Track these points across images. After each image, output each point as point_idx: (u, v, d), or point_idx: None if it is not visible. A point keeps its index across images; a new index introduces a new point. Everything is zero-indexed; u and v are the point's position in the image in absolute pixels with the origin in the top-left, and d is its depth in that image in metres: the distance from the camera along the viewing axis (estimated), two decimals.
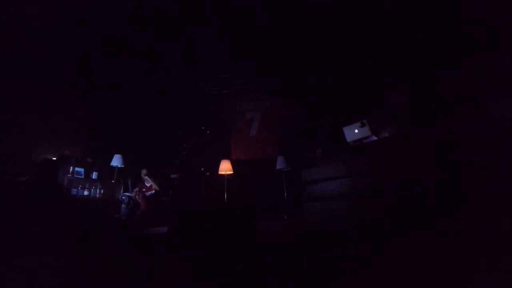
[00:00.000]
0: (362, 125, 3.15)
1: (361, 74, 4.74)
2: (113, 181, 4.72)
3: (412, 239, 1.85)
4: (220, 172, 4.73)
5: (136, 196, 4.34)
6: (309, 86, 5.43)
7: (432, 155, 2.39)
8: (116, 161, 4.56)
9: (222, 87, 5.73)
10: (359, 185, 2.89)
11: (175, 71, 5.20)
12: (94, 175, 4.66)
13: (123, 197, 4.45)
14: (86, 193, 4.37)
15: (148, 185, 4.60)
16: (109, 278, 1.34)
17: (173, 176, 5.43)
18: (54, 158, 4.14)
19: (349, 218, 2.85)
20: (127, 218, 4.15)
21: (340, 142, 3.52)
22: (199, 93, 5.84)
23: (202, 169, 5.58)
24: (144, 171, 4.64)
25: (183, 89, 5.74)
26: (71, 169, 4.26)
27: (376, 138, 3.29)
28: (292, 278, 1.24)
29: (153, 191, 4.54)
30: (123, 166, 4.64)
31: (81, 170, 4.45)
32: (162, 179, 4.84)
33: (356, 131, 3.21)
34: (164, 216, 4.12)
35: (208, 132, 5.90)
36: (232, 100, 6.02)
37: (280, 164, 4.69)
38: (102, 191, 4.62)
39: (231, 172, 4.76)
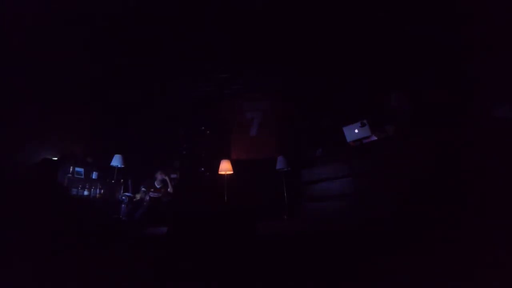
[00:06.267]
0: (362, 125, 3.14)
1: (362, 74, 4.74)
2: (113, 181, 4.72)
3: (412, 239, 1.85)
4: (220, 172, 4.73)
5: (146, 196, 4.36)
6: (309, 86, 5.42)
7: (432, 155, 2.38)
8: (116, 161, 4.56)
9: (222, 87, 5.72)
10: (359, 185, 2.88)
11: (175, 71, 5.20)
12: (94, 175, 4.66)
13: (123, 197, 4.46)
14: (86, 193, 4.37)
15: (158, 186, 4.63)
16: (109, 278, 1.34)
17: (173, 176, 5.43)
18: (54, 158, 4.14)
19: (349, 218, 2.84)
20: (127, 218, 4.15)
21: (340, 142, 3.52)
22: (199, 93, 5.84)
23: (202, 169, 5.57)
24: (163, 173, 4.70)
25: (183, 89, 5.74)
26: (71, 169, 4.26)
27: (376, 138, 3.29)
28: (292, 278, 1.24)
29: (159, 193, 4.57)
30: (123, 166, 4.64)
31: (81, 170, 4.45)
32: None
33: (356, 131, 3.20)
34: (164, 216, 4.12)
35: (208, 132, 5.90)
36: (232, 100, 6.02)
37: (280, 164, 4.69)
38: (102, 191, 4.63)
39: (231, 172, 4.76)
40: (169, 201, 4.52)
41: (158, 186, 4.64)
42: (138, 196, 4.48)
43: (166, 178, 4.72)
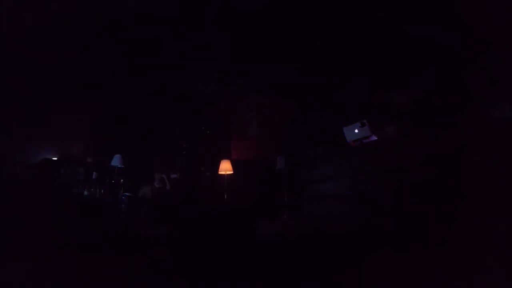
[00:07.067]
0: (362, 125, 3.14)
1: (362, 74, 4.74)
2: (113, 181, 4.72)
3: (412, 239, 1.85)
4: (220, 172, 4.73)
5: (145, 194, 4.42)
6: (310, 85, 5.42)
7: (432, 155, 2.38)
8: (116, 161, 4.56)
9: (222, 87, 5.72)
10: (359, 185, 2.88)
11: (175, 71, 5.20)
12: (94, 175, 4.66)
13: (123, 197, 4.46)
14: (86, 193, 4.37)
15: (158, 186, 4.66)
16: (109, 278, 1.34)
17: (173, 176, 5.43)
18: (54, 158, 4.14)
19: (349, 218, 2.84)
20: (127, 218, 4.15)
21: (340, 142, 3.52)
22: (199, 93, 5.84)
23: (202, 169, 5.57)
24: (160, 172, 4.76)
25: (183, 89, 5.74)
26: (71, 169, 4.26)
27: (376, 138, 3.29)
28: (292, 278, 1.23)
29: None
30: (123, 166, 4.64)
31: (81, 170, 4.46)
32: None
33: (356, 131, 3.20)
34: (164, 216, 4.12)
35: (208, 132, 5.91)
36: (232, 100, 6.02)
37: (280, 164, 4.68)
38: (102, 191, 4.63)
39: (231, 172, 4.75)
40: (169, 200, 4.53)
41: (157, 186, 4.65)
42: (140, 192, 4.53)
43: (163, 176, 4.74)
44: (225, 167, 4.70)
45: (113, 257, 1.81)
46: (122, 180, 5.01)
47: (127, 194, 4.51)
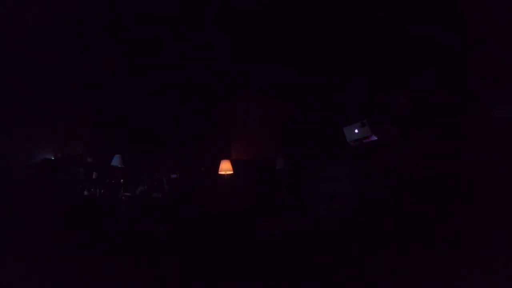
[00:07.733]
0: (362, 125, 3.14)
1: (362, 74, 4.74)
2: (113, 181, 4.72)
3: (412, 239, 1.85)
4: (220, 172, 4.73)
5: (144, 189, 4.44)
6: (310, 85, 5.42)
7: (432, 155, 2.38)
8: (116, 161, 4.56)
9: (222, 86, 5.73)
10: (359, 185, 2.88)
11: (175, 71, 5.19)
12: (94, 175, 4.67)
13: (123, 197, 4.47)
14: (86, 193, 4.38)
15: (156, 186, 4.69)
16: (109, 278, 1.34)
17: (173, 176, 5.43)
18: (54, 158, 4.14)
19: (349, 218, 2.84)
20: (127, 218, 4.16)
21: (340, 142, 3.52)
22: (199, 92, 5.84)
23: (202, 169, 5.58)
24: (160, 173, 4.80)
25: (183, 88, 5.74)
26: (71, 169, 4.26)
27: (376, 138, 3.29)
28: (291, 278, 1.24)
29: (158, 193, 4.65)
30: (123, 166, 4.65)
31: (81, 170, 4.46)
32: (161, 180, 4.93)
33: (356, 131, 3.20)
34: (163, 216, 4.12)
35: (208, 132, 5.91)
36: (232, 100, 6.02)
37: (280, 164, 4.69)
38: (102, 191, 4.63)
39: (231, 172, 4.75)
40: (169, 200, 4.54)
41: (156, 186, 4.67)
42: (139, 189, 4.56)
43: (163, 176, 4.76)
44: (225, 167, 4.70)
45: (113, 257, 1.81)
46: (122, 180, 5.01)
47: (127, 194, 4.51)
